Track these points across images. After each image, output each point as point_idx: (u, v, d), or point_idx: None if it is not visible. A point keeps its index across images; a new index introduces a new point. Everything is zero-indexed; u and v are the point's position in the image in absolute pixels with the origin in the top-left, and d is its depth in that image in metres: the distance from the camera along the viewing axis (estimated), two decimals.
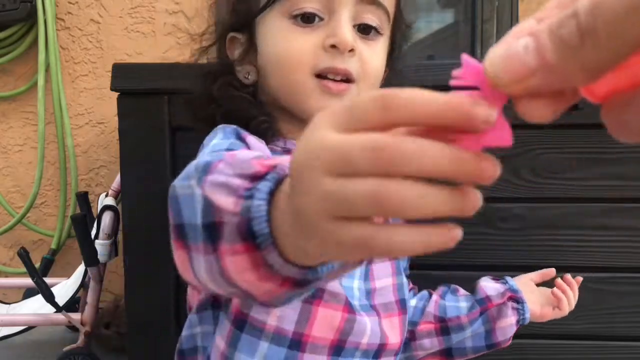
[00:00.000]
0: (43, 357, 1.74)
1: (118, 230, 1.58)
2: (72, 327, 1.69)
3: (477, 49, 1.93)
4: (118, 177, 1.60)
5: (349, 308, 0.65)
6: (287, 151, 0.68)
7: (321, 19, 0.65)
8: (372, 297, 0.71)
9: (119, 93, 1.21)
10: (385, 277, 0.74)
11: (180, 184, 0.44)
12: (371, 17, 0.67)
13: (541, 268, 1.19)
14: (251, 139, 0.61)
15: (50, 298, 1.46)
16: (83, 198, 1.82)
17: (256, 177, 0.36)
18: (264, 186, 0.35)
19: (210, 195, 0.38)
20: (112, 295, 1.94)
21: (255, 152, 0.47)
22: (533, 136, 1.19)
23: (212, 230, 0.37)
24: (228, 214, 0.36)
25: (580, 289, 1.19)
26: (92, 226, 1.64)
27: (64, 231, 2.07)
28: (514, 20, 1.88)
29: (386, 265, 0.76)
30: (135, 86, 1.19)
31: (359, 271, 0.70)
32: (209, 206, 0.37)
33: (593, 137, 1.18)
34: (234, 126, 0.63)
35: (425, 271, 1.21)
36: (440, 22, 2.18)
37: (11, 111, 2.08)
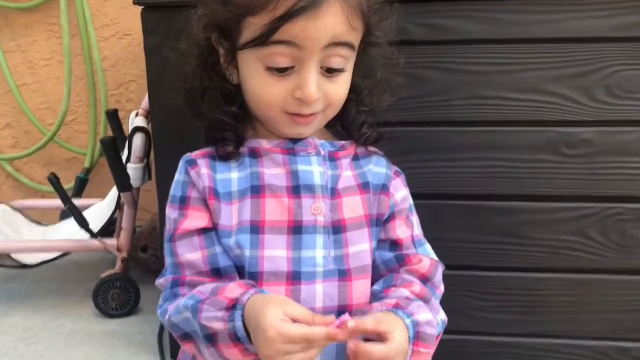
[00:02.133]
0: (82, 279, 1.73)
1: (150, 152, 1.50)
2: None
3: None
4: (147, 95, 1.51)
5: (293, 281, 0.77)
6: (251, 150, 0.79)
7: (292, 67, 0.71)
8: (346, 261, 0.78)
9: (142, 7, 1.09)
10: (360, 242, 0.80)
11: (176, 318, 0.73)
12: (336, 60, 0.72)
13: (609, 198, 1.10)
14: (194, 173, 0.77)
15: (84, 224, 1.42)
16: (113, 116, 1.74)
17: (229, 307, 0.66)
18: (238, 315, 0.66)
19: (206, 323, 0.68)
20: (149, 215, 1.91)
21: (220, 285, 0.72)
22: (609, 50, 1.05)
23: (211, 337, 0.68)
24: (221, 331, 0.67)
25: None
26: (124, 146, 1.57)
27: (96, 149, 2.02)
28: None
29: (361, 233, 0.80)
30: None
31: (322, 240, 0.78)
32: (206, 328, 0.68)
33: None
34: (188, 157, 0.80)
35: (483, 202, 1.12)
36: None
37: (34, 23, 1.98)
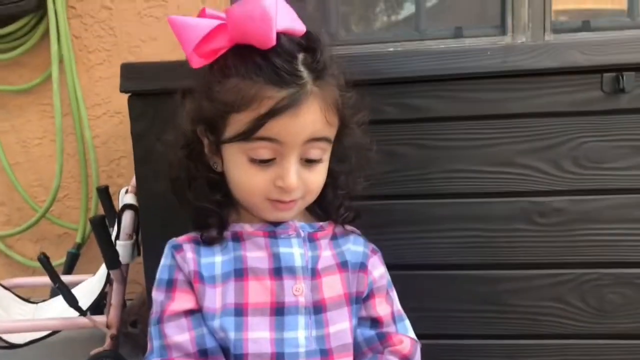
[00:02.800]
0: (73, 357, 1.72)
1: (139, 229, 1.53)
2: None
3: (508, 19, 1.81)
4: None
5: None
6: (234, 234, 0.82)
7: (274, 159, 0.76)
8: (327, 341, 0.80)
9: (129, 94, 1.15)
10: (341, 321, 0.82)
11: None
12: (314, 152, 0.78)
13: (585, 265, 1.13)
14: (180, 258, 0.81)
15: (73, 303, 1.43)
16: (104, 192, 1.78)
17: None
18: None
19: None
20: (141, 287, 1.91)
21: None
22: (574, 124, 1.10)
23: None
24: None
25: (627, 285, 1.13)
26: (114, 222, 1.60)
27: (87, 224, 2.04)
28: None
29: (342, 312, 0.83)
30: (147, 87, 1.13)
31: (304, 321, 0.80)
32: None
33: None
34: (174, 242, 0.83)
35: (464, 271, 1.15)
36: None
37: (28, 104, 2.04)
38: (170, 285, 0.80)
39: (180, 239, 0.84)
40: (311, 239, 0.84)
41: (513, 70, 1.07)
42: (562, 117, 1.10)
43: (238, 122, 0.74)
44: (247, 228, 0.83)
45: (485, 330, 1.17)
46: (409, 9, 2.11)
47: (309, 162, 0.78)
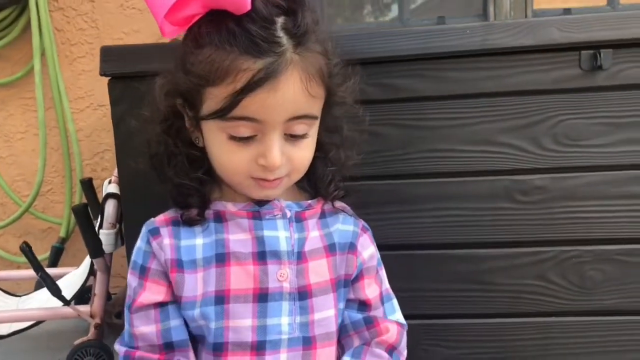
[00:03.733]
0: (58, 348, 1.71)
1: (122, 218, 1.52)
2: None
3: (490, 8, 1.83)
4: None
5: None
6: (217, 214, 0.79)
7: (255, 135, 0.72)
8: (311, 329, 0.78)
9: (109, 77, 1.14)
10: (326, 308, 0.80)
11: None
12: (299, 128, 0.73)
13: (566, 242, 1.14)
14: (156, 245, 0.77)
15: (56, 292, 1.42)
16: (87, 185, 1.77)
17: None
18: None
19: None
20: (124, 280, 1.90)
21: None
22: (553, 102, 1.11)
23: None
24: None
25: (607, 262, 1.14)
26: (98, 214, 1.59)
27: (72, 218, 2.03)
28: None
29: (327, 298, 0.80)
30: (127, 70, 1.12)
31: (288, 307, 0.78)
32: None
33: (618, 99, 1.10)
34: (152, 226, 0.80)
35: (447, 251, 1.15)
36: None
37: (10, 98, 2.03)
38: (143, 273, 0.78)
39: (158, 220, 0.81)
40: (298, 219, 0.80)
41: (493, 49, 1.08)
42: (541, 94, 1.10)
43: (214, 98, 0.70)
44: (230, 207, 0.79)
45: (469, 309, 1.17)
46: (395, 11, 2.12)
47: (293, 137, 0.73)
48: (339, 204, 0.86)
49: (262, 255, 0.77)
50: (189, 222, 0.79)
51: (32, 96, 1.99)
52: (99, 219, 1.57)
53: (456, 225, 1.15)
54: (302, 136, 0.74)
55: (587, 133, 1.11)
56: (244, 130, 0.71)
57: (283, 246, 0.77)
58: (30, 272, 1.71)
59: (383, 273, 0.88)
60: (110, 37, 1.95)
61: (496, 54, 1.09)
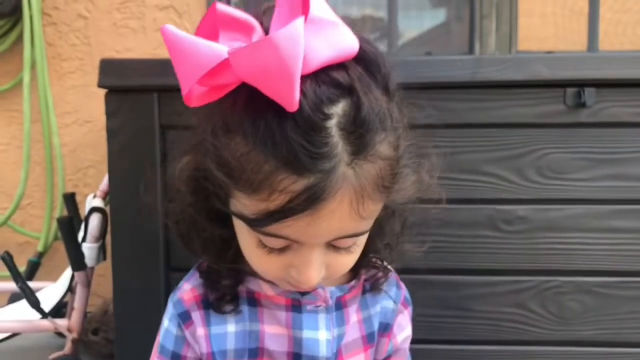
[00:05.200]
0: None
1: (106, 232, 1.52)
2: (60, 333, 1.63)
3: (476, 46, 1.89)
4: (106, 178, 1.54)
5: None
6: (250, 295, 0.69)
7: (290, 245, 0.58)
8: None
9: (106, 90, 1.16)
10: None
11: None
12: (345, 242, 0.59)
13: (546, 272, 1.17)
14: (189, 334, 0.68)
15: (35, 304, 1.41)
16: (70, 199, 1.76)
17: None
18: None
19: None
20: (101, 299, 1.88)
21: None
22: (538, 135, 1.14)
23: None
24: None
25: (587, 293, 1.16)
26: (80, 228, 1.58)
27: (50, 233, 2.01)
28: (513, 16, 1.84)
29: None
30: (124, 83, 1.14)
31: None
32: None
33: (600, 136, 1.14)
34: (181, 308, 0.69)
35: (428, 276, 1.17)
36: (432, 20, 2.15)
37: None
38: None
39: (187, 297, 0.70)
40: (339, 306, 0.70)
41: (482, 82, 1.12)
42: (526, 128, 1.14)
43: (241, 203, 0.56)
44: (267, 290, 0.68)
45: (448, 335, 1.19)
46: (380, 46, 2.17)
47: (337, 248, 0.60)
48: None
49: (298, 357, 0.68)
50: (220, 308, 0.68)
51: (19, 108, 1.98)
52: (81, 233, 1.56)
53: (439, 251, 1.17)
54: (348, 248, 0.61)
55: (569, 167, 1.14)
56: (275, 243, 0.58)
57: (322, 351, 0.68)
58: (4, 285, 1.69)
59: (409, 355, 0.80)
60: (102, 54, 1.96)
61: (485, 87, 1.13)
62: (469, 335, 1.18)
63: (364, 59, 0.57)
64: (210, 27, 0.55)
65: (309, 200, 0.51)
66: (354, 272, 0.71)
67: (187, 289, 0.71)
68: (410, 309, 0.78)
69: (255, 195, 0.53)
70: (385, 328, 0.74)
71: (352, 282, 0.72)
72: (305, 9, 0.51)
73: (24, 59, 1.91)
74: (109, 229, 1.47)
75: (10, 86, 1.97)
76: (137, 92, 1.14)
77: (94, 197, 1.58)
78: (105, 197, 1.55)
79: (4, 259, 1.38)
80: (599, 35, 1.93)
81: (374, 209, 0.58)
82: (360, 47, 0.56)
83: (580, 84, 1.12)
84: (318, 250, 0.58)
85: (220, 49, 0.51)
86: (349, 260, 0.63)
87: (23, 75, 1.92)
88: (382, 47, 2.15)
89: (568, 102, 1.13)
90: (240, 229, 0.61)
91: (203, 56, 0.51)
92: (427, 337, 1.19)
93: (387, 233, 0.69)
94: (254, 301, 0.69)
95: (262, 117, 0.52)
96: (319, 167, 0.51)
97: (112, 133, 1.18)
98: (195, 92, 0.55)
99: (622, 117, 1.13)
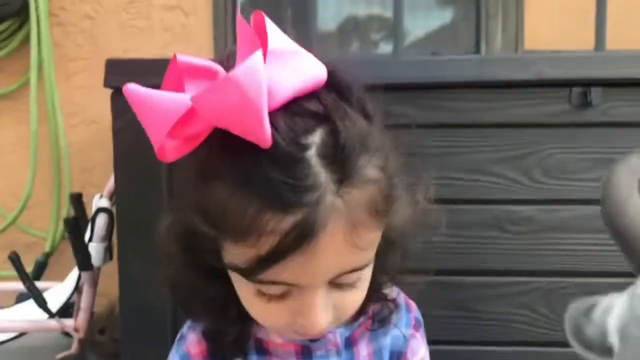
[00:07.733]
0: None
1: (113, 233, 1.52)
2: (67, 333, 1.63)
3: (482, 46, 1.88)
4: (113, 178, 1.55)
5: None
6: (258, 343, 0.66)
7: (290, 291, 0.55)
8: None
9: (113, 90, 1.16)
10: None
11: None
12: (349, 278, 0.55)
13: (553, 273, 1.16)
14: None
15: (42, 304, 1.41)
16: (77, 199, 1.76)
17: None
18: None
19: None
20: (107, 300, 1.89)
21: None
22: (544, 135, 1.14)
23: None
24: None
25: (594, 294, 1.15)
26: (86, 228, 1.59)
27: (57, 233, 2.02)
28: (519, 16, 1.84)
29: None
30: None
31: None
32: None
33: (607, 135, 1.13)
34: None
35: (434, 277, 1.16)
36: (439, 20, 2.14)
37: (4, 109, 2.03)
38: None
39: (193, 350, 0.66)
40: (348, 345, 0.68)
41: (488, 82, 1.12)
42: (533, 128, 1.14)
43: (232, 253, 0.53)
44: (274, 338, 0.66)
45: (455, 336, 1.19)
46: (383, 48, 2.17)
47: (341, 286, 0.56)
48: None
49: None
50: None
51: (26, 109, 1.99)
52: (87, 233, 1.56)
53: (445, 252, 1.17)
54: (352, 284, 0.57)
55: (576, 167, 1.14)
56: (275, 289, 0.54)
57: None
58: (12, 285, 1.70)
59: None
60: (108, 54, 1.94)
61: (491, 87, 1.13)
62: (476, 337, 1.18)
63: (334, 85, 0.54)
64: (175, 79, 0.53)
65: (299, 238, 0.48)
66: (361, 308, 0.65)
67: (194, 340, 0.66)
68: (422, 330, 0.76)
69: (244, 241, 0.50)
70: (398, 357, 0.72)
71: (361, 319, 0.68)
72: (263, 43, 0.50)
73: (30, 59, 1.92)
74: (115, 229, 1.47)
75: (17, 87, 1.98)
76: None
77: (101, 197, 1.58)
78: (112, 197, 1.55)
79: (11, 259, 1.39)
80: (607, 35, 1.92)
81: (371, 237, 0.55)
82: (330, 74, 0.53)
83: (586, 84, 1.12)
84: (321, 292, 0.54)
85: (184, 97, 0.49)
86: (356, 297, 0.59)
87: (30, 75, 1.93)
88: (388, 47, 2.15)
89: (574, 102, 1.13)
90: (238, 282, 0.58)
91: (168, 108, 0.49)
92: (433, 338, 1.18)
93: (389, 266, 0.65)
94: (262, 350, 0.66)
95: (238, 159, 0.50)
96: (304, 200, 0.48)
97: (118, 133, 1.19)
98: (168, 147, 0.52)
99: (629, 117, 1.12)
